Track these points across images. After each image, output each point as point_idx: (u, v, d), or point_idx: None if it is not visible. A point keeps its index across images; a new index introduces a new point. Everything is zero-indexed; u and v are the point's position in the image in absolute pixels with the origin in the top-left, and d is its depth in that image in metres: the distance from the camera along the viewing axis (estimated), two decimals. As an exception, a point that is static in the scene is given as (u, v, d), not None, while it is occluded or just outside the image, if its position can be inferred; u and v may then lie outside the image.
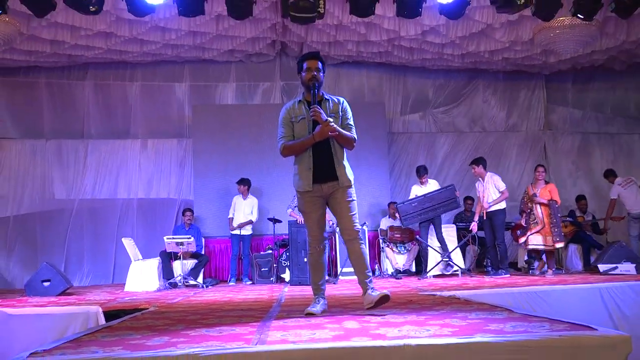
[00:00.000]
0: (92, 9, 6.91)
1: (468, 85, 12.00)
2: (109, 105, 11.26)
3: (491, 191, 8.81)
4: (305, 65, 4.30)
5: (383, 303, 4.11)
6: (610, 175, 10.15)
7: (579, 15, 7.39)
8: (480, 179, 8.98)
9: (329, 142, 4.22)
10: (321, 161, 4.23)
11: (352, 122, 4.37)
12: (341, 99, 4.41)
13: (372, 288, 4.18)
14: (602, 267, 8.28)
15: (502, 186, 8.81)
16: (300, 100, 4.37)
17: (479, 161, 9.04)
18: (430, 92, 11.89)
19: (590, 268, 9.42)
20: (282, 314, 4.39)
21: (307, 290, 7.27)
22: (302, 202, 4.31)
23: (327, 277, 9.14)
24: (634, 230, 9.66)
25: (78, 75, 11.12)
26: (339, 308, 4.66)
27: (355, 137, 4.34)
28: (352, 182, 4.29)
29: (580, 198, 10.52)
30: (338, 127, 4.20)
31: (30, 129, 10.98)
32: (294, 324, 3.70)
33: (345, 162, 4.30)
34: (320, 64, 4.30)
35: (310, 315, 4.08)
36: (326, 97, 4.36)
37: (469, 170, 11.66)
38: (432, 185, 9.28)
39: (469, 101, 12.04)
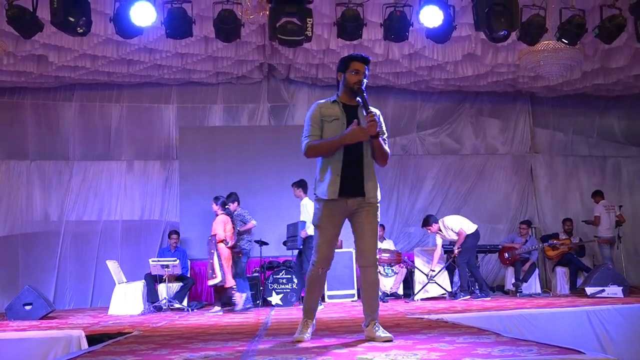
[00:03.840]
0: (79, 30, 6.86)
1: (455, 107, 12.06)
2: (94, 126, 11.18)
3: (452, 235, 8.97)
4: (354, 66, 3.91)
5: None
6: (597, 195, 10.60)
7: (563, 40, 7.47)
8: (437, 232, 9.10)
9: (362, 151, 3.87)
10: (350, 171, 3.85)
11: (386, 137, 4.03)
12: (377, 111, 3.99)
13: (378, 325, 3.88)
14: (589, 290, 8.29)
15: (457, 227, 8.90)
16: (335, 100, 4.00)
17: (429, 221, 9.13)
18: (417, 115, 11.93)
19: (577, 291, 9.43)
20: (268, 338, 4.34)
21: (294, 314, 7.20)
22: (319, 214, 3.89)
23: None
24: (607, 252, 10.20)
25: (64, 97, 11.05)
26: (326, 332, 4.60)
27: (390, 152, 4.02)
28: (379, 201, 3.94)
29: (565, 220, 10.59)
30: (381, 140, 3.88)
31: (14, 150, 10.87)
32: (280, 349, 3.66)
33: (375, 178, 3.94)
34: (367, 69, 3.96)
35: (299, 342, 3.86)
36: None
37: (457, 193, 11.75)
38: (302, 207, 8.62)
39: (455, 123, 12.10)
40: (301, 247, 8.47)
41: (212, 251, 7.96)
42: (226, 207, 8.31)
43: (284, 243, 9.09)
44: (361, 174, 3.87)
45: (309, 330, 4.02)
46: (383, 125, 4.01)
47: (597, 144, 12.45)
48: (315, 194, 3.97)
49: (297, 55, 10.04)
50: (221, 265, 7.91)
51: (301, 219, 8.51)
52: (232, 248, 8.16)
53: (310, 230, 8.29)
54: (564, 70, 8.64)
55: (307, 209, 8.34)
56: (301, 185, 8.58)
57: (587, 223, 10.81)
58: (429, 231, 9.22)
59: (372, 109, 3.94)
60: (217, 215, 8.23)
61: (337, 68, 4.05)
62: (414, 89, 11.40)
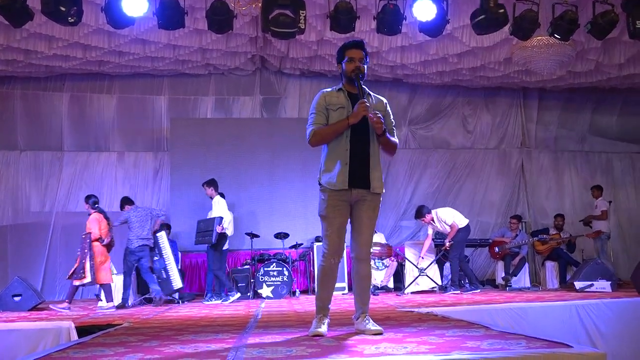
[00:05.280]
0: (70, 20, 6.80)
1: (447, 101, 12.08)
2: (85, 117, 11.13)
3: (445, 227, 9.02)
4: (347, 54, 3.87)
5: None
6: (598, 189, 10.45)
7: (555, 35, 7.48)
8: (430, 223, 9.15)
9: (368, 141, 3.80)
10: (356, 160, 3.76)
11: (394, 126, 3.98)
12: (384, 99, 3.99)
13: (369, 318, 3.86)
14: (578, 284, 8.35)
15: (450, 220, 8.95)
16: (340, 89, 3.93)
17: (422, 212, 9.15)
18: (409, 108, 11.94)
19: (566, 285, 9.49)
20: (258, 331, 4.34)
21: (285, 306, 7.20)
22: (325, 204, 3.77)
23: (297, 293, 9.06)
24: (606, 247, 10.13)
25: (55, 87, 10.98)
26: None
27: (398, 142, 3.96)
28: (382, 192, 3.87)
29: (557, 216, 10.63)
30: (387, 135, 3.81)
31: (3, 140, 10.80)
32: (270, 341, 3.66)
33: (380, 167, 3.86)
34: (363, 54, 3.88)
35: (318, 336, 3.70)
36: (368, 91, 3.92)
37: (448, 187, 11.77)
38: (214, 204, 8.74)
39: (448, 118, 12.12)
40: (214, 242, 8.48)
41: (86, 250, 7.80)
42: (96, 205, 8.19)
43: (196, 236, 8.92)
44: (367, 163, 3.79)
45: (325, 323, 3.86)
46: (391, 114, 3.99)
47: (588, 139, 12.51)
48: (320, 184, 3.84)
49: (290, 47, 10.00)
50: (92, 265, 7.78)
51: (213, 215, 8.58)
52: (107, 245, 8.06)
53: (226, 224, 8.47)
54: (555, 65, 8.66)
55: (219, 206, 8.58)
56: (212, 184, 8.75)
57: (591, 218, 10.37)
58: (423, 222, 9.25)
59: (380, 97, 3.95)
60: (90, 214, 8.13)
61: (336, 59, 4.00)
62: (407, 82, 11.39)
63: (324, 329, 3.80)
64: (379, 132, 3.73)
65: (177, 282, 8.54)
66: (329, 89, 3.97)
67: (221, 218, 8.48)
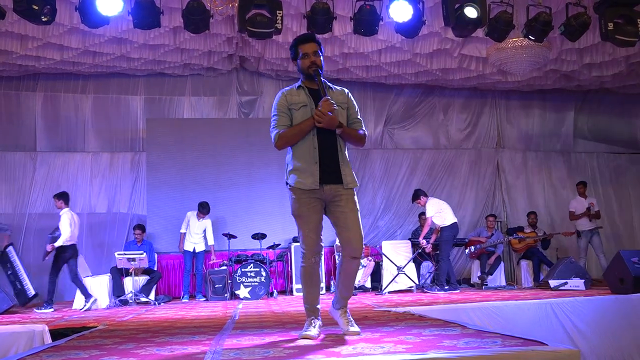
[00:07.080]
0: (44, 19, 6.70)
1: (424, 102, 12.14)
2: (59, 117, 10.94)
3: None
4: (300, 50, 3.75)
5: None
6: (584, 186, 10.32)
7: (530, 37, 7.57)
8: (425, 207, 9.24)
9: (335, 137, 3.68)
10: (325, 157, 3.65)
11: (360, 116, 3.85)
12: (345, 90, 3.86)
13: (349, 316, 3.81)
14: (552, 282, 8.46)
15: (429, 213, 8.99)
16: (300, 86, 3.81)
17: (418, 194, 9.27)
18: (387, 109, 11.97)
19: (541, 284, 9.61)
20: (235, 332, 4.32)
21: (262, 307, 7.18)
22: (297, 204, 3.65)
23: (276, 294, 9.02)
24: (597, 242, 9.99)
25: (27, 86, 10.79)
26: (294, 325, 4.61)
27: (366, 132, 3.85)
28: (357, 186, 3.76)
29: (530, 213, 10.76)
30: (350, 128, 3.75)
31: (-26, 141, 10.60)
32: (247, 342, 3.65)
33: (349, 162, 3.75)
34: (317, 46, 3.74)
35: (307, 339, 3.56)
36: (329, 84, 3.80)
37: (425, 187, 11.83)
38: (62, 216, 8.62)
39: (425, 118, 12.18)
40: (43, 260, 8.52)
41: None
42: None
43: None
44: (336, 159, 3.68)
45: (316, 325, 3.72)
46: (356, 105, 3.89)
47: (563, 139, 12.68)
48: (288, 183, 3.74)
49: (267, 48, 9.97)
50: None
51: (60, 226, 8.42)
52: None
53: (58, 243, 8.30)
54: (531, 67, 8.76)
55: (62, 220, 8.38)
56: (62, 197, 8.65)
57: (594, 217, 9.97)
58: (419, 204, 9.31)
59: (340, 88, 3.86)
60: None
61: (291, 57, 3.90)
62: (385, 82, 11.42)
63: (314, 331, 3.65)
64: (333, 128, 3.63)
65: (30, 290, 8.78)
66: (288, 88, 3.86)
67: (54, 237, 8.38)
